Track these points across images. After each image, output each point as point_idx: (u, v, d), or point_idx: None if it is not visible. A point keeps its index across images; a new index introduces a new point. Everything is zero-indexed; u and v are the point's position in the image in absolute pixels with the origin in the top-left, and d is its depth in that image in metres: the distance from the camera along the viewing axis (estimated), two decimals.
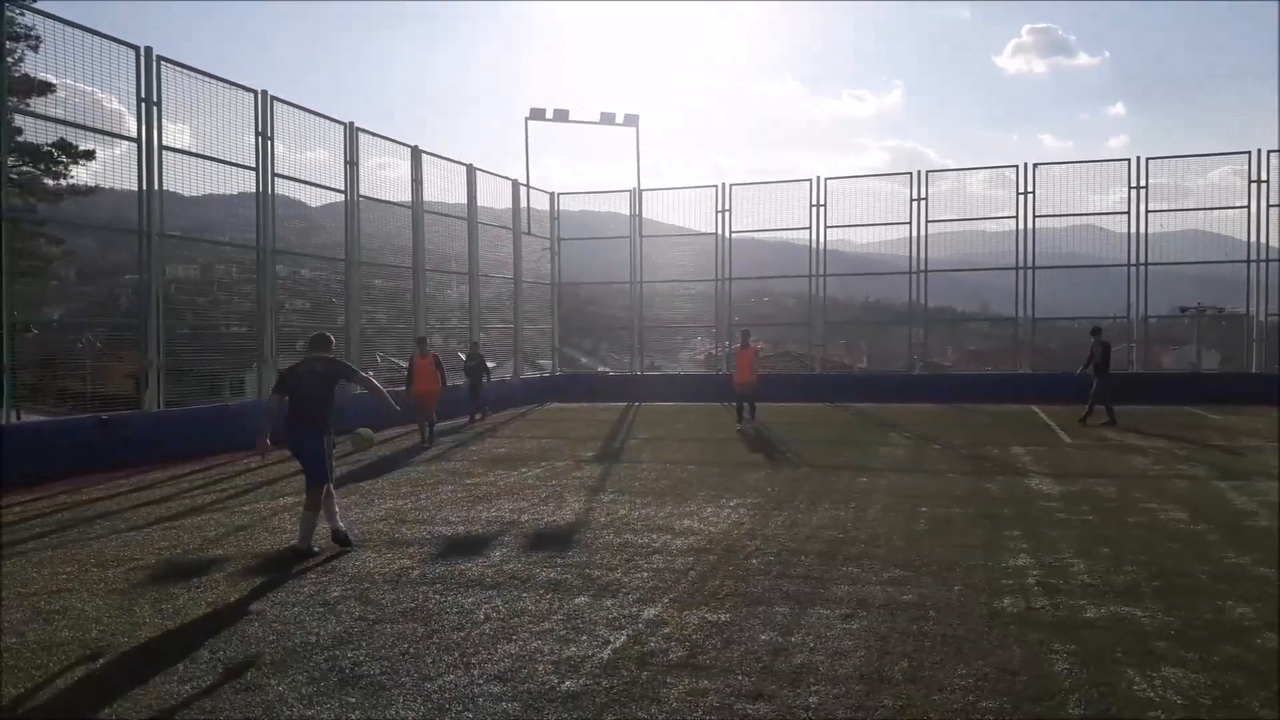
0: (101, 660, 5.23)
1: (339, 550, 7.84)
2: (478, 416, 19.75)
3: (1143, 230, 23.95)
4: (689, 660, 5.10)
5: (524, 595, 6.44)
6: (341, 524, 8.08)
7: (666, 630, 5.62)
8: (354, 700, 4.60)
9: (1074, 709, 4.39)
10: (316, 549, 7.78)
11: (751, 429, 17.40)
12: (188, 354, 15.82)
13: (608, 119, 27.66)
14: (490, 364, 21.81)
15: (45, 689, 4.83)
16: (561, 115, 27.62)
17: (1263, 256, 23.26)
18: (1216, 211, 23.86)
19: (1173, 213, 24.05)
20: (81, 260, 19.80)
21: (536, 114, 27.44)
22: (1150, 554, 7.43)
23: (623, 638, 5.49)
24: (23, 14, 14.86)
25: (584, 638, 5.51)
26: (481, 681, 4.82)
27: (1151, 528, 8.48)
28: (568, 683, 4.79)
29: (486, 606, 6.17)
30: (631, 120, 27.68)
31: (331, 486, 8.06)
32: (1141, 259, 23.93)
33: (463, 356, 21.27)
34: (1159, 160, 24.00)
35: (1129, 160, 24.03)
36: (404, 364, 21.32)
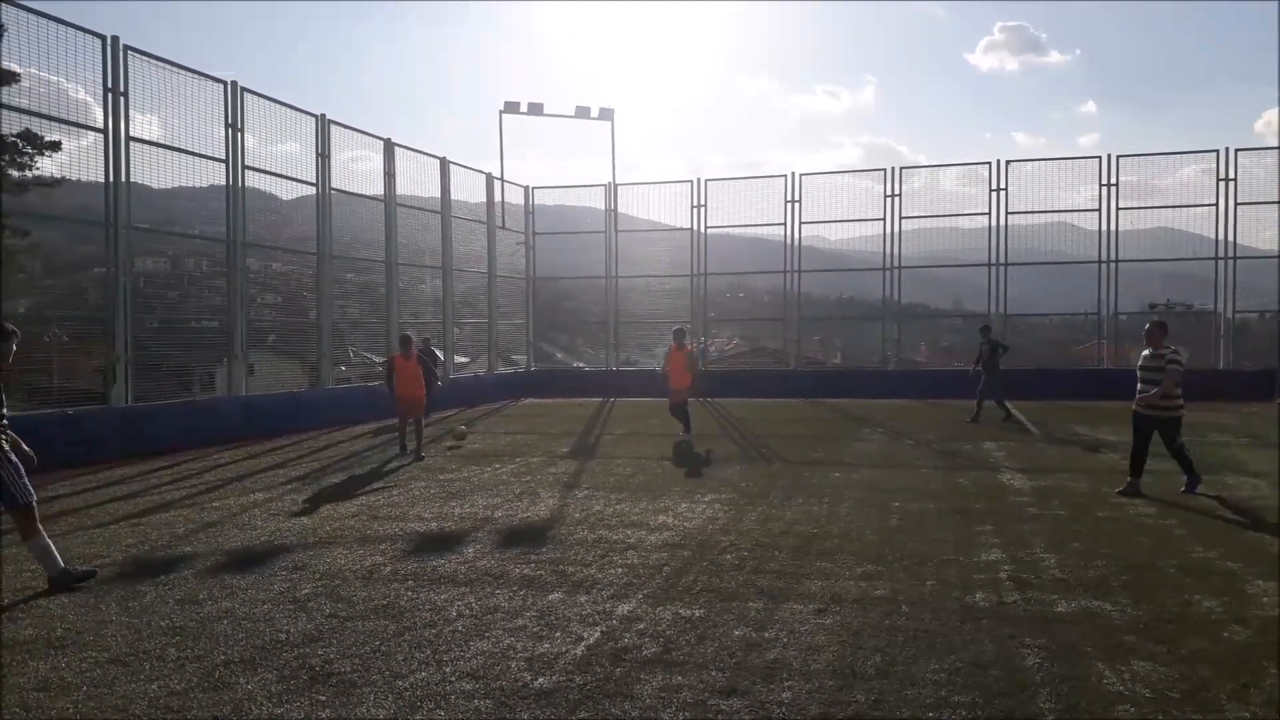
0: (66, 659, 5.14)
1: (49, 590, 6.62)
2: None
3: (1113, 227, 24.22)
4: (662, 656, 5.09)
5: (497, 592, 6.41)
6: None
7: (640, 626, 5.60)
8: (324, 698, 4.55)
9: (1045, 703, 4.42)
10: (89, 568, 6.97)
11: (688, 441, 14.90)
12: (157, 348, 15.61)
13: (583, 113, 27.56)
14: (440, 357, 20.82)
15: (8, 688, 4.73)
16: (536, 109, 27.50)
17: (1230, 254, 23.58)
18: (1186, 209, 24.16)
19: (1143, 210, 24.35)
20: (47, 253, 19.45)
21: (511, 107, 27.30)
22: (1120, 548, 7.50)
23: (596, 634, 5.47)
24: None
25: (557, 634, 5.48)
26: (454, 679, 4.79)
27: (1121, 522, 8.56)
28: (541, 680, 4.76)
29: (459, 603, 6.13)
30: (607, 114, 27.61)
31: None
32: (1112, 256, 24.19)
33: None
34: (1129, 158, 24.29)
35: (1100, 158, 24.29)
36: (377, 359, 21.17)
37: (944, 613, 5.82)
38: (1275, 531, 8.09)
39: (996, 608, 5.92)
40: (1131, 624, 5.56)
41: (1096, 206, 24.33)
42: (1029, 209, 24.86)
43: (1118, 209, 24.13)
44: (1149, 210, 24.37)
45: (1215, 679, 4.69)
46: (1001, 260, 24.73)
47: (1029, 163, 25.11)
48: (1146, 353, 9.81)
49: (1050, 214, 25.04)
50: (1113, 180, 24.07)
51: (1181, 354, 9.77)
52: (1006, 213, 24.78)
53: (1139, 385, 9.84)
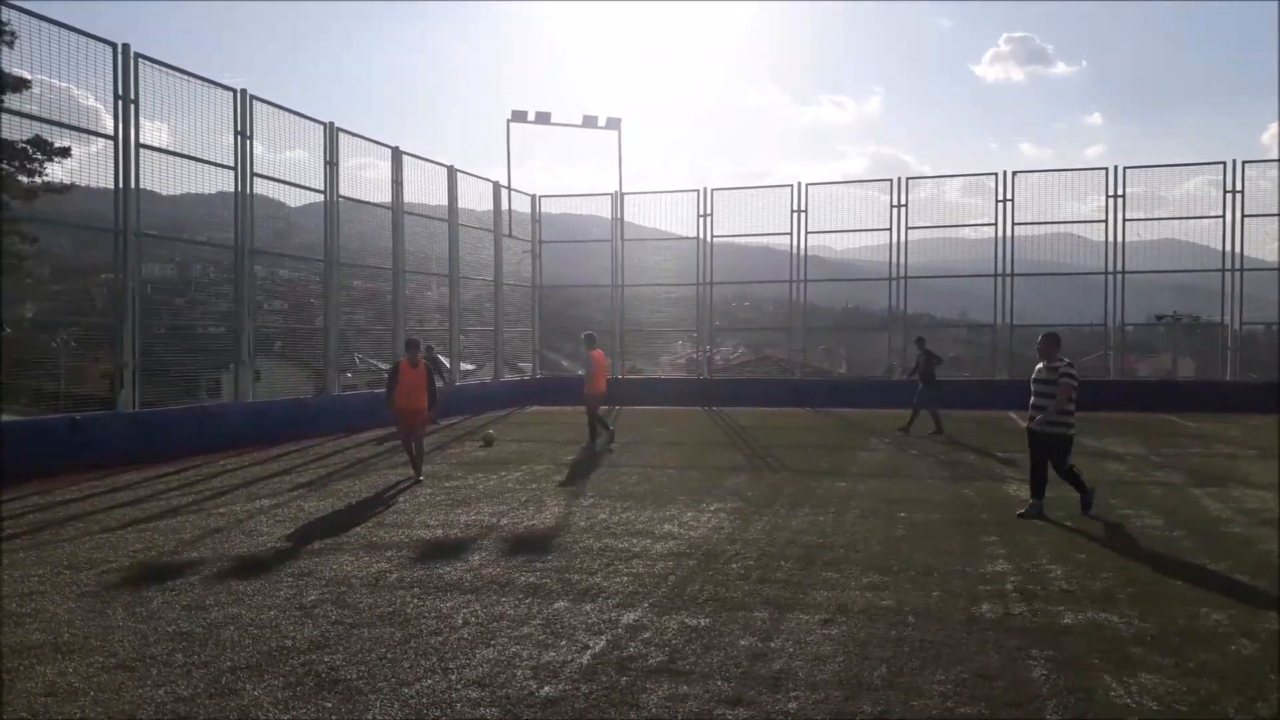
0: (73, 664, 5.15)
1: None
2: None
3: (1119, 239, 24.22)
4: (668, 665, 5.09)
5: (503, 600, 6.41)
6: None
7: (646, 635, 5.60)
8: (330, 705, 4.55)
9: (1052, 715, 4.41)
10: None
11: (607, 447, 15.30)
12: (164, 354, 15.68)
13: (590, 122, 27.68)
14: (445, 363, 20.87)
15: (17, 694, 4.74)
16: (544, 118, 27.62)
17: (1237, 266, 23.56)
18: (1192, 221, 24.16)
19: (1149, 222, 24.34)
20: (56, 258, 19.54)
21: (518, 116, 27.42)
22: (1126, 560, 7.48)
23: (602, 643, 5.47)
24: None
25: (563, 643, 5.48)
26: (459, 686, 4.79)
27: (1128, 534, 8.54)
28: (546, 688, 4.76)
29: (465, 611, 6.13)
30: (614, 124, 27.72)
31: None
32: (1118, 267, 24.17)
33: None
34: (1136, 169, 24.31)
35: (1106, 169, 24.34)
36: (383, 366, 21.22)
37: (950, 623, 5.81)
38: None
39: (1003, 619, 5.91)
40: (1139, 636, 5.55)
41: (1103, 218, 24.34)
42: (1035, 220, 24.87)
43: (1124, 220, 24.13)
44: (1156, 222, 24.37)
45: (1223, 692, 4.67)
46: (1007, 271, 24.74)
47: (1035, 174, 25.14)
48: (1040, 366, 9.45)
49: (1056, 225, 25.06)
50: (1119, 191, 24.08)
51: (1075, 367, 9.36)
52: (1012, 223, 24.82)
53: (1032, 400, 9.43)
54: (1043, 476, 9.45)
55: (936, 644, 5.41)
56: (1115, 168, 24.19)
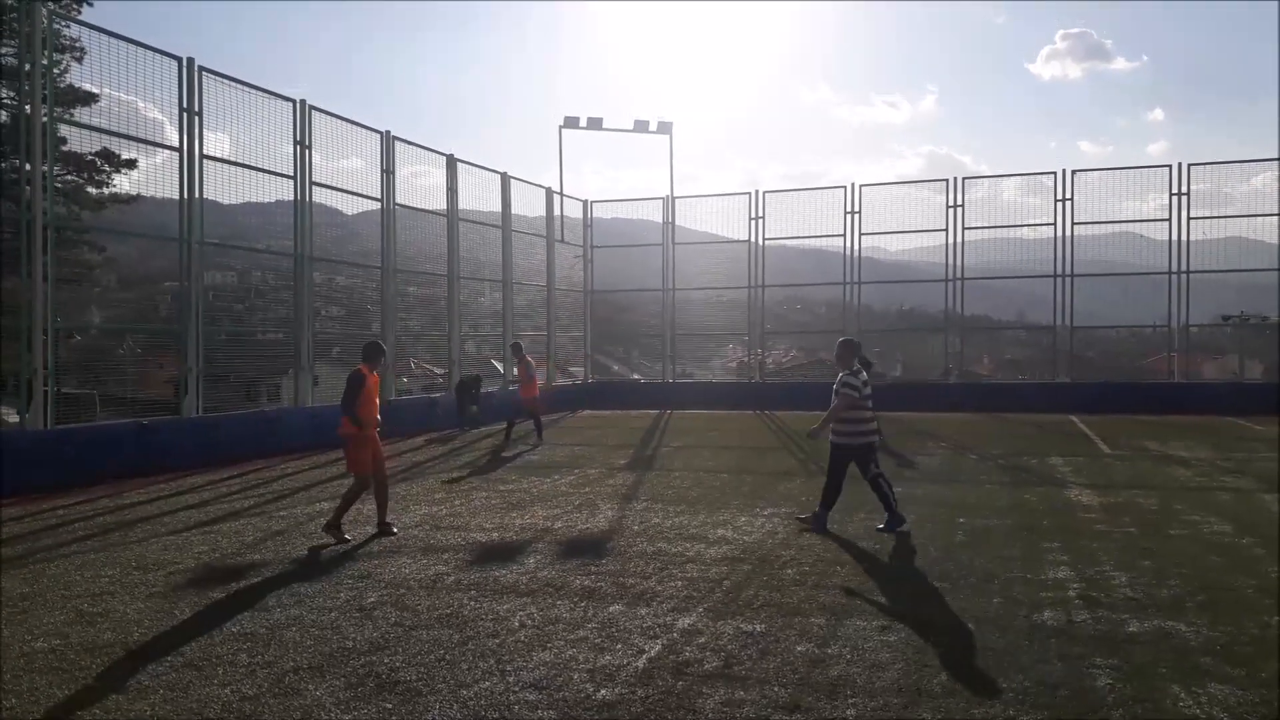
0: (143, 663, 5.29)
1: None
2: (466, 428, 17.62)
3: (1183, 237, 23.63)
4: (724, 670, 5.07)
5: (558, 603, 6.44)
6: None
7: (701, 640, 5.59)
8: (391, 706, 4.61)
9: None
10: None
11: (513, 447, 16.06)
12: (225, 360, 16.02)
13: (641, 127, 27.70)
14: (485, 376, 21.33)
15: (89, 691, 4.89)
16: (595, 123, 27.71)
17: None
18: (1259, 219, 23.51)
19: (1214, 220, 23.72)
20: (122, 267, 20.13)
21: (570, 123, 27.55)
22: (1194, 567, 7.30)
23: (657, 647, 5.47)
24: (68, 26, 15.17)
25: (619, 646, 5.49)
26: (517, 689, 4.83)
27: (1195, 540, 8.32)
28: (603, 691, 4.78)
29: (521, 614, 6.18)
30: (665, 128, 27.70)
31: None
32: (1182, 266, 23.59)
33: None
34: (1200, 166, 23.70)
35: (1169, 167, 23.78)
36: (439, 371, 21.50)
37: (1012, 631, 5.71)
38: None
39: (1066, 626, 5.80)
40: (1208, 645, 5.40)
41: (1166, 216, 23.78)
42: (1095, 219, 24.38)
43: (1188, 218, 23.55)
44: (1221, 220, 23.75)
45: None
46: (1067, 271, 24.27)
47: (1095, 172, 24.65)
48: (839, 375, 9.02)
49: (1117, 224, 24.54)
50: (1183, 189, 23.51)
51: (859, 376, 8.90)
52: (1072, 223, 24.34)
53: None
54: (836, 486, 9.02)
55: (997, 652, 5.33)
56: (1178, 165, 23.65)
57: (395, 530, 9.02)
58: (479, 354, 23.63)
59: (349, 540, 8.61)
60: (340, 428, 8.81)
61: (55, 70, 14.21)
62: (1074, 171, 24.42)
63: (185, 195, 14.59)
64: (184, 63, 14.47)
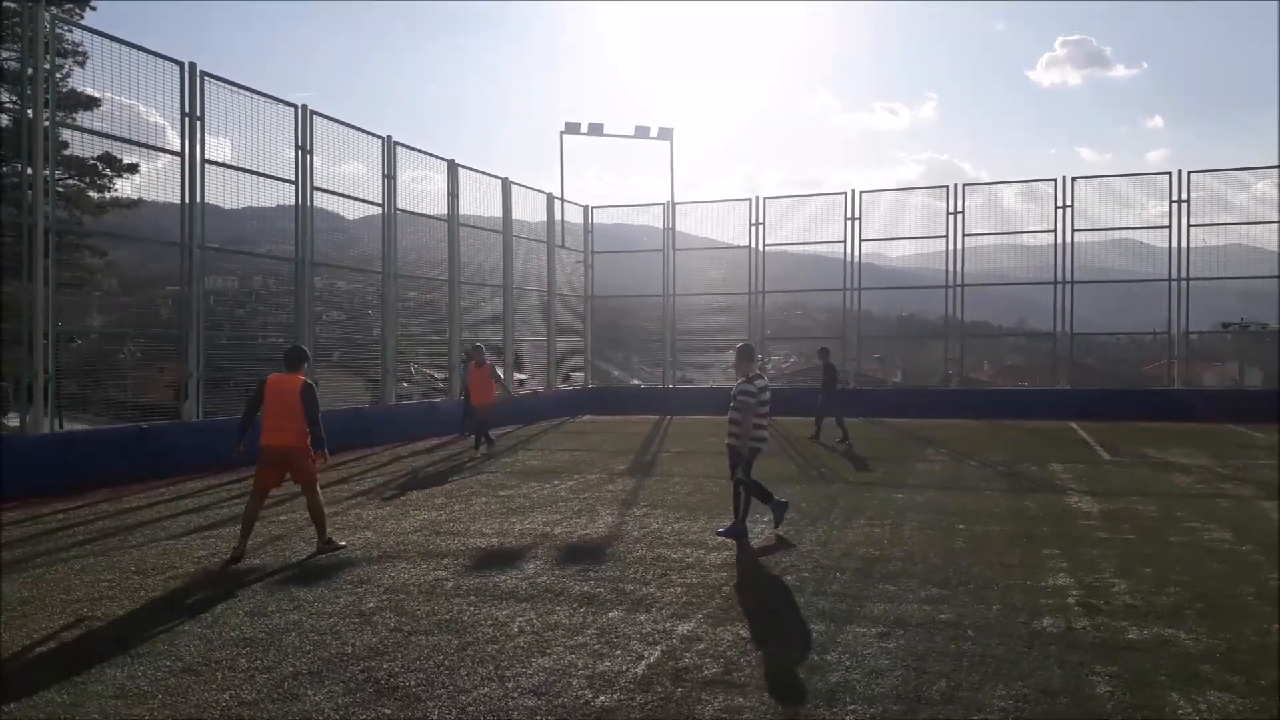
0: (142, 667, 5.29)
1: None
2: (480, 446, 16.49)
3: (1183, 245, 23.62)
4: (723, 677, 5.07)
5: (558, 609, 6.44)
6: None
7: (701, 646, 5.59)
8: (390, 711, 4.61)
9: None
10: None
11: (484, 453, 15.99)
12: (226, 365, 16.00)
13: (642, 133, 27.72)
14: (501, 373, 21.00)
15: (88, 695, 4.88)
16: (596, 129, 27.74)
17: None
18: (1259, 226, 23.51)
19: (1214, 227, 23.71)
20: (123, 271, 20.14)
21: (571, 128, 27.57)
22: (1194, 575, 7.29)
23: (657, 653, 5.47)
24: (71, 31, 15.20)
25: (618, 652, 5.49)
26: (516, 695, 4.82)
27: (1195, 548, 8.32)
28: (602, 698, 4.77)
29: (520, 619, 6.18)
30: (665, 134, 27.72)
31: None
32: (1182, 274, 23.58)
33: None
34: (1200, 174, 23.71)
35: (1169, 174, 23.74)
36: (439, 376, 21.48)
37: (1011, 638, 5.71)
38: None
39: (1065, 633, 5.80)
40: (1207, 653, 5.40)
41: (1166, 223, 23.77)
42: (1095, 226, 24.40)
43: (1188, 225, 23.56)
44: (1221, 227, 23.74)
45: None
46: (1067, 278, 24.27)
47: (1095, 179, 24.67)
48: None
49: (1117, 231, 24.54)
50: (1183, 196, 23.51)
51: (755, 384, 8.93)
52: (1072, 230, 24.35)
53: (729, 414, 9.19)
54: (742, 492, 9.10)
55: (997, 658, 5.33)
56: (1178, 172, 23.65)
57: (344, 544, 8.64)
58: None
59: (344, 545, 8.61)
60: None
61: (57, 74, 14.24)
62: (1074, 178, 24.41)
63: (186, 200, 14.59)
64: (186, 67, 14.49)
